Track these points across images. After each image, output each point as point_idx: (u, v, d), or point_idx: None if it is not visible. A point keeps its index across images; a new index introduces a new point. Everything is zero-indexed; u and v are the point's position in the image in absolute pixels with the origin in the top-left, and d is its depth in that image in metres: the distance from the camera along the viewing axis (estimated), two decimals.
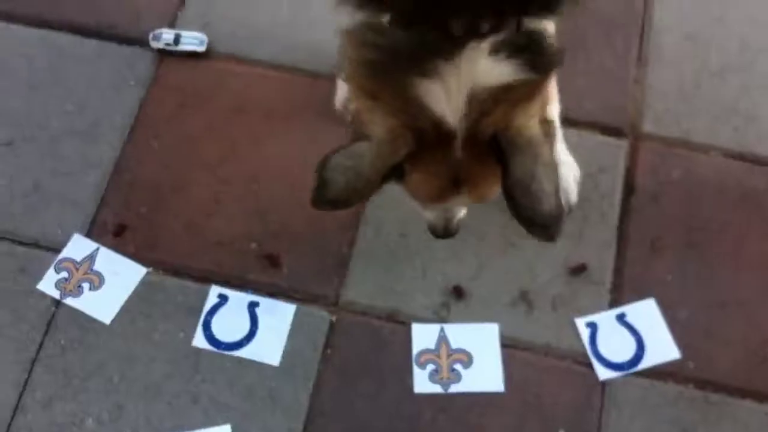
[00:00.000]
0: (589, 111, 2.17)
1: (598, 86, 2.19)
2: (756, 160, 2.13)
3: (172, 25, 2.25)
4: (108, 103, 2.13)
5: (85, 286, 1.90)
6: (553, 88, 1.86)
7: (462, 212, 1.76)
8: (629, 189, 2.08)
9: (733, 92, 2.22)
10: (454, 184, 1.51)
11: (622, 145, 2.14)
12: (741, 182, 2.10)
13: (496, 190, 1.51)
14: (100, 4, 2.27)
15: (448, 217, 1.73)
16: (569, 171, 2.04)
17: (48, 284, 1.90)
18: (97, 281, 1.90)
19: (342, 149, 1.44)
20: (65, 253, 1.93)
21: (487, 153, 1.45)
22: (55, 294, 1.90)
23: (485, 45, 1.38)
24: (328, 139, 2.06)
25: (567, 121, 2.10)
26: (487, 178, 1.51)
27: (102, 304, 1.88)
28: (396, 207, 1.93)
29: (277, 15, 2.28)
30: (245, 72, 2.20)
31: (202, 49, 2.19)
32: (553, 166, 1.45)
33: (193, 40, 2.20)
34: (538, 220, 1.43)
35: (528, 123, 1.43)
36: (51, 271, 1.91)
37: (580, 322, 1.93)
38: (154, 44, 2.20)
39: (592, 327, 1.92)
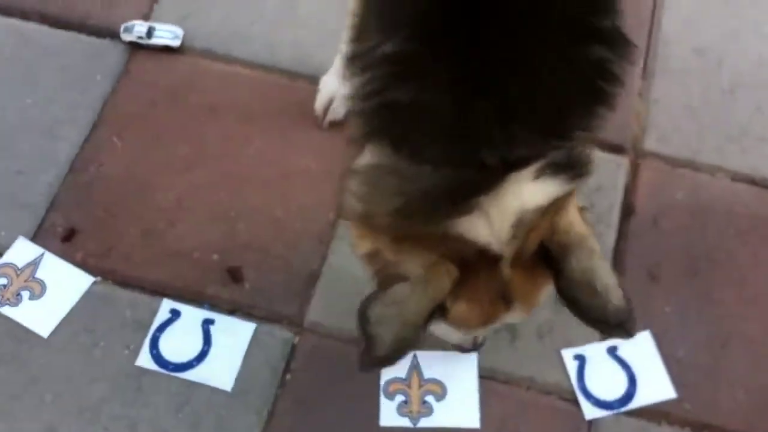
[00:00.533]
0: None
1: None
2: (765, 185, 1.94)
3: (146, 17, 2.08)
4: (71, 97, 1.96)
5: (25, 294, 1.72)
6: None
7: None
8: (628, 210, 1.91)
9: (745, 111, 2.04)
10: (505, 303, 1.36)
11: (623, 163, 1.96)
12: (749, 208, 1.92)
13: (547, 295, 1.39)
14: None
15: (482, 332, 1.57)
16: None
17: None
18: (38, 290, 1.73)
19: (377, 298, 1.28)
20: (6, 257, 1.76)
21: (535, 263, 1.32)
22: None
23: (528, 172, 1.26)
24: (305, 144, 1.93)
25: None
26: (539, 287, 1.37)
27: (41, 316, 1.70)
28: None
29: (259, 12, 2.10)
30: (221, 70, 2.03)
31: (176, 43, 2.03)
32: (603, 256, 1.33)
33: (167, 34, 2.03)
34: (612, 319, 1.30)
35: (571, 219, 1.32)
36: None
37: (567, 354, 1.74)
38: (126, 37, 2.04)
39: (580, 360, 1.74)
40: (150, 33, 2.02)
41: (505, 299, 1.35)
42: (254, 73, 2.03)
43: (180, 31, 2.03)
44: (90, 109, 1.95)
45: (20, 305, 1.71)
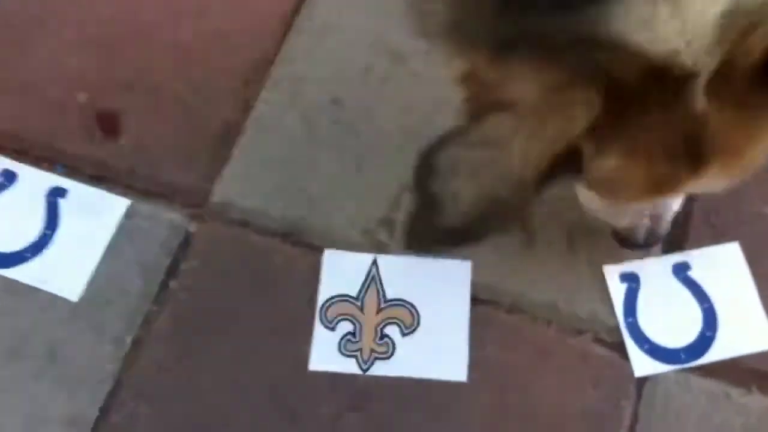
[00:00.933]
0: None
1: None
2: None
3: None
4: None
5: None
6: None
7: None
8: None
9: None
10: (693, 160, 0.95)
11: None
12: None
13: (763, 153, 1.00)
14: None
15: (660, 214, 1.17)
16: None
17: None
18: None
19: (459, 134, 0.90)
20: None
21: (750, 90, 0.91)
22: None
23: None
24: None
25: None
26: (750, 135, 0.96)
27: None
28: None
29: None
30: None
31: None
32: None
33: None
34: None
35: None
36: None
37: (612, 273, 1.18)
38: None
39: (632, 282, 1.18)
40: None
41: (693, 151, 0.94)
42: None
43: None
44: None
45: None
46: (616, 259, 1.18)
